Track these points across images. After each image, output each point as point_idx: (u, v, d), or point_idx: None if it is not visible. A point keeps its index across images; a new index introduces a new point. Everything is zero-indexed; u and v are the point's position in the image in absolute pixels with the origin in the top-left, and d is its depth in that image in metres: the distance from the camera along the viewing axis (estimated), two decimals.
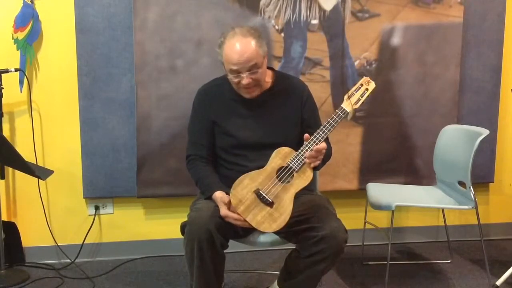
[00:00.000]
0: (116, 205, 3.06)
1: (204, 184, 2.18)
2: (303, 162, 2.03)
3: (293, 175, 2.04)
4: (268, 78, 2.23)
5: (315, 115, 2.31)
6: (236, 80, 2.10)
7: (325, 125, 2.05)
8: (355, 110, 2.11)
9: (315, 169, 2.10)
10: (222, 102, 2.22)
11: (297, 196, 2.20)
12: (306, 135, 2.04)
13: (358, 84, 2.14)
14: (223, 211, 2.02)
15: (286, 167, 2.05)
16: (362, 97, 2.12)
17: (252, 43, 2.05)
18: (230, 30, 2.10)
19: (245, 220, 2.00)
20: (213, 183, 2.15)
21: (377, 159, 3.14)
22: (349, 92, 2.12)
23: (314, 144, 2.01)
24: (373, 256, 3.11)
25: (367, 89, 2.13)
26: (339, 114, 2.07)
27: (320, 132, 2.04)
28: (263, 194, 2.03)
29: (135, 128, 2.92)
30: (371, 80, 2.15)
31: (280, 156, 2.08)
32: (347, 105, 2.09)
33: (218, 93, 2.24)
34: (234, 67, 2.06)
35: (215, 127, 2.23)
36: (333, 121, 2.06)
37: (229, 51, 2.06)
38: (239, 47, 2.05)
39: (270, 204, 2.02)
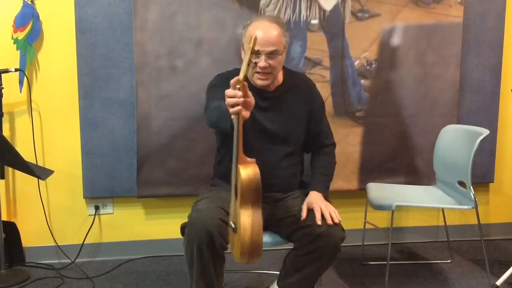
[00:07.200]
0: (116, 205, 3.06)
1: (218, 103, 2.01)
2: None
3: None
4: (280, 74, 2.24)
5: (322, 110, 2.34)
6: (253, 61, 2.06)
7: None
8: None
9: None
10: None
11: (297, 196, 2.21)
12: None
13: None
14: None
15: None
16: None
17: (277, 29, 2.08)
18: (257, 15, 2.08)
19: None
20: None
21: (377, 159, 3.14)
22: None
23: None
24: (373, 256, 3.11)
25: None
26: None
27: None
28: (231, 223, 1.91)
29: (135, 128, 2.92)
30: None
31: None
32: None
33: None
34: (256, 47, 2.01)
35: None
36: None
37: (254, 30, 2.06)
38: (265, 28, 2.06)
39: (234, 229, 1.87)
